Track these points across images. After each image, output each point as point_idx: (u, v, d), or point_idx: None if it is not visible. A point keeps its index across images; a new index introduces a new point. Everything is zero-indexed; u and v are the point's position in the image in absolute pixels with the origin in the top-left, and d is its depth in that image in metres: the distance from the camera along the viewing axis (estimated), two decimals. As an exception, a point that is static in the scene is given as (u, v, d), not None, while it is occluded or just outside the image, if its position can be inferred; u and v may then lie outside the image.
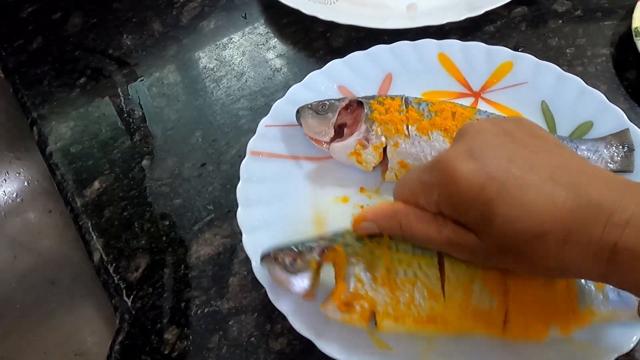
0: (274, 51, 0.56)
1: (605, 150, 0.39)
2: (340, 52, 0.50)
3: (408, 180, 0.31)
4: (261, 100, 0.52)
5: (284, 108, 0.44)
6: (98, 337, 0.64)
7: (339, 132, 0.42)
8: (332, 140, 0.42)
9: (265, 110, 0.45)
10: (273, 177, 0.41)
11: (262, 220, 0.38)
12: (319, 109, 0.42)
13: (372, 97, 0.42)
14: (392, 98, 0.42)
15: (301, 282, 0.32)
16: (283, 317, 0.34)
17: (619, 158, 0.39)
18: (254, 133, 0.43)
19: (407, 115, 0.40)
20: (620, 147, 0.39)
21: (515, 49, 0.48)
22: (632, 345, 0.31)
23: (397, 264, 0.32)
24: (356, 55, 0.47)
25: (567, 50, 0.52)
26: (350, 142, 0.41)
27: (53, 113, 0.54)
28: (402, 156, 0.40)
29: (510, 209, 0.26)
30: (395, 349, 0.32)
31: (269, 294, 0.34)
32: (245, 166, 0.41)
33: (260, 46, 0.57)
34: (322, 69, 0.46)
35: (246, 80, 0.54)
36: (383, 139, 0.40)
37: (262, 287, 0.35)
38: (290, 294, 0.33)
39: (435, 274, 0.32)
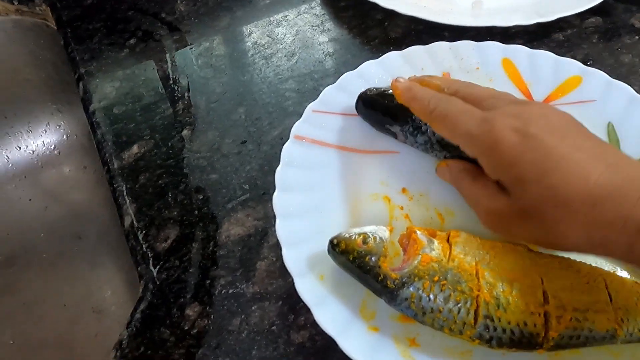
0: (328, 34, 0.54)
1: None
2: (397, 44, 0.48)
3: (461, 121, 0.33)
4: (310, 84, 0.50)
5: (333, 95, 0.43)
6: (117, 297, 0.65)
7: None
8: None
9: (312, 94, 0.43)
10: (314, 165, 0.40)
11: (298, 207, 0.37)
12: None
13: None
14: None
15: None
16: (307, 310, 0.32)
17: None
18: (299, 116, 0.41)
19: None
20: None
21: (584, 61, 0.45)
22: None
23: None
24: (415, 50, 0.45)
25: (641, 70, 0.49)
26: None
27: (100, 71, 0.53)
28: None
29: (548, 177, 0.28)
30: (421, 362, 0.31)
31: (296, 284, 0.33)
32: (288, 150, 0.39)
33: (314, 27, 0.55)
34: (378, 59, 0.44)
35: (296, 61, 0.52)
36: None
37: (289, 275, 0.34)
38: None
39: None
